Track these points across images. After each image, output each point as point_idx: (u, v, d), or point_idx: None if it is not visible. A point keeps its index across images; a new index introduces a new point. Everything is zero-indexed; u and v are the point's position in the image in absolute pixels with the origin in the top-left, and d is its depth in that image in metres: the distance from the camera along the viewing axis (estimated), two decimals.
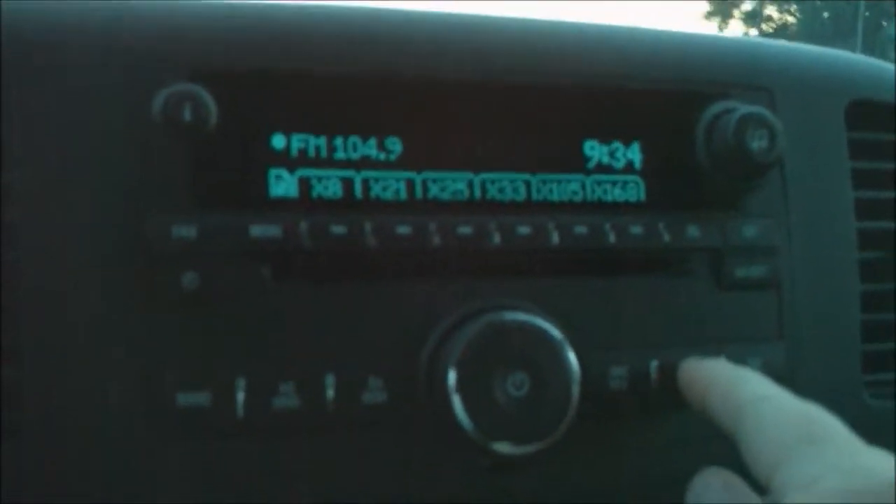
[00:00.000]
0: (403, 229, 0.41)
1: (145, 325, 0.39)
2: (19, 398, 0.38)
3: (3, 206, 0.38)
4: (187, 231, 0.39)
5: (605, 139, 0.45)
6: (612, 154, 0.45)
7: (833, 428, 0.33)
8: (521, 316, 0.41)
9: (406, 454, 0.41)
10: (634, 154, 0.46)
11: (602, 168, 0.45)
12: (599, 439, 0.44)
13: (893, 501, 0.27)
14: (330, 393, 0.39)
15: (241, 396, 0.39)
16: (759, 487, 0.33)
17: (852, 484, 0.29)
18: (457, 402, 0.39)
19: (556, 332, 0.40)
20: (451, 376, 0.39)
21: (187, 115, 0.38)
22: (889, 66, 0.56)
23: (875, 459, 0.30)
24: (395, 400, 0.40)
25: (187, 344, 0.39)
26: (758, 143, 0.45)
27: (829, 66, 0.54)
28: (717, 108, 0.47)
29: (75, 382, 0.38)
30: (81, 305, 0.39)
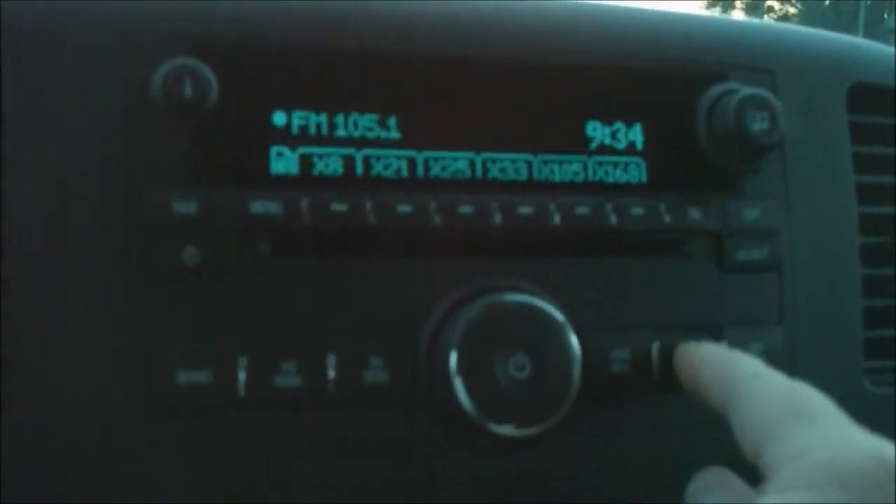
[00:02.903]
0: (404, 208, 0.41)
1: (145, 302, 0.39)
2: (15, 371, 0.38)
3: (1, 179, 0.38)
4: (187, 206, 0.38)
5: (608, 120, 0.45)
6: (613, 135, 0.45)
7: (822, 405, 0.33)
8: (523, 297, 0.41)
9: (407, 435, 0.41)
10: (636, 135, 0.45)
11: (604, 149, 0.45)
12: (601, 421, 0.44)
13: (880, 475, 0.28)
14: (331, 372, 0.39)
15: (242, 375, 0.39)
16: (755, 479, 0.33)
17: (840, 457, 0.29)
18: (458, 384, 0.39)
19: (557, 314, 0.40)
20: (453, 357, 0.39)
21: (188, 90, 0.38)
22: (891, 50, 0.56)
23: (863, 436, 0.31)
24: (395, 380, 0.40)
25: (188, 321, 0.39)
26: (758, 125, 0.44)
27: (831, 49, 0.53)
28: (718, 89, 0.46)
29: (73, 359, 0.38)
30: (80, 281, 0.38)
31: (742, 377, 0.36)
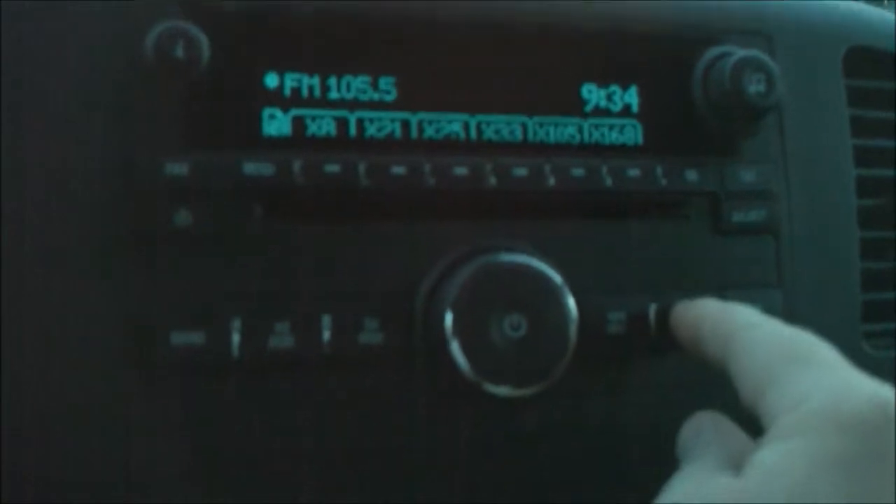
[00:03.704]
0: (398, 169, 0.41)
1: (138, 263, 0.38)
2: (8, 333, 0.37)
3: None
4: (179, 168, 0.38)
5: (603, 82, 0.45)
6: (609, 97, 0.45)
7: (822, 350, 0.33)
8: (518, 257, 0.40)
9: (403, 396, 0.41)
10: (632, 98, 0.45)
11: (599, 111, 0.45)
12: (598, 382, 0.43)
13: (878, 418, 0.28)
14: (326, 333, 0.39)
15: (236, 336, 0.38)
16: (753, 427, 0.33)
17: (838, 402, 0.29)
18: (454, 345, 0.38)
19: (553, 274, 0.40)
20: (448, 318, 0.39)
21: (180, 52, 0.38)
22: (889, 14, 0.55)
23: (864, 380, 0.31)
24: (391, 341, 0.40)
25: (181, 282, 0.39)
26: (755, 87, 0.44)
27: (829, 12, 0.53)
28: (714, 51, 0.46)
29: (63, 324, 0.38)
30: (71, 243, 0.38)
31: (740, 326, 0.36)
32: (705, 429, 0.35)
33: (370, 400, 0.41)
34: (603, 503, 0.43)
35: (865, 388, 0.30)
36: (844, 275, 0.49)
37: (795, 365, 0.32)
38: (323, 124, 0.41)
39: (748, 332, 0.35)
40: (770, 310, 0.45)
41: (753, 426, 0.33)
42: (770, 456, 0.29)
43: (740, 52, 0.45)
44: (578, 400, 0.42)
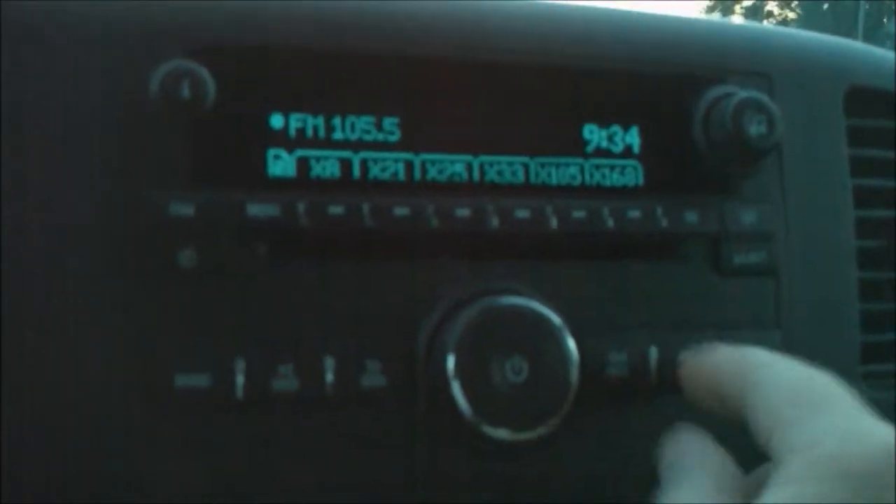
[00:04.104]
0: (401, 211, 0.41)
1: (142, 304, 0.39)
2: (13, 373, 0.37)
3: None
4: (185, 208, 0.38)
5: (605, 123, 0.45)
6: (610, 138, 0.45)
7: (835, 392, 0.32)
8: (520, 300, 0.41)
9: (404, 438, 0.41)
10: (633, 138, 0.46)
11: (601, 152, 0.45)
12: (599, 425, 0.44)
13: (889, 465, 0.28)
14: (329, 376, 0.39)
15: (240, 377, 0.38)
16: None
17: (848, 448, 0.28)
18: (455, 388, 0.38)
19: (554, 317, 0.40)
20: (450, 361, 0.39)
21: (185, 92, 0.38)
22: (889, 53, 0.56)
23: (874, 425, 0.30)
24: (393, 383, 0.40)
25: (185, 323, 0.39)
26: (756, 129, 0.45)
27: (829, 52, 0.53)
28: (715, 92, 0.47)
29: (69, 361, 0.38)
30: (76, 283, 0.38)
31: (756, 365, 0.35)
32: (690, 451, 0.35)
33: (371, 441, 0.41)
34: None
35: (877, 431, 0.29)
36: (843, 315, 0.49)
37: (808, 406, 0.31)
38: (327, 165, 0.41)
39: (764, 371, 0.34)
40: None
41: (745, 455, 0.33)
42: (776, 499, 0.28)
43: (741, 93, 0.45)
44: (579, 443, 0.42)
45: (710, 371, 0.38)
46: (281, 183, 0.40)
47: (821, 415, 0.31)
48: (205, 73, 0.38)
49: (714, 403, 0.37)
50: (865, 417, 0.31)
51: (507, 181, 0.43)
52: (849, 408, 0.31)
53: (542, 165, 0.44)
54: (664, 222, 0.44)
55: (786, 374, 0.34)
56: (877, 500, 0.27)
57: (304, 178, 0.41)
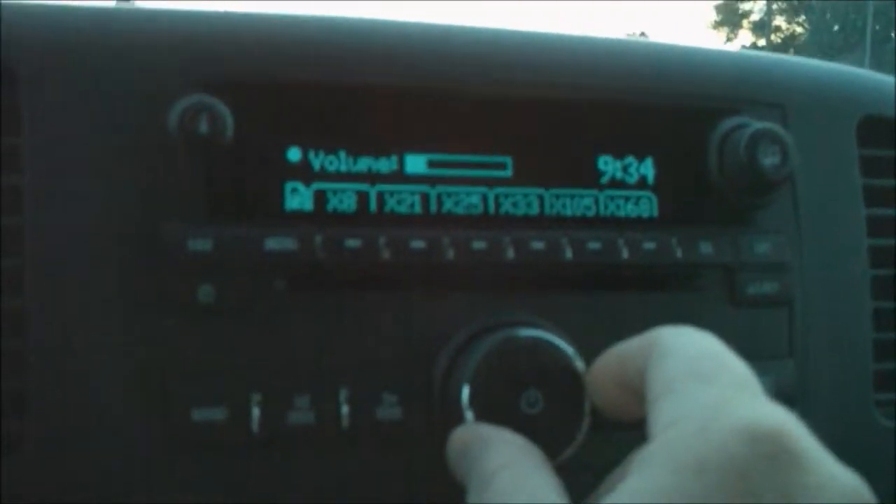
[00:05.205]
0: (417, 243, 0.41)
1: (160, 339, 0.39)
2: (23, 409, 0.38)
3: (15, 212, 0.39)
4: (203, 244, 0.39)
5: (619, 154, 0.45)
6: (625, 169, 0.45)
7: (728, 366, 0.28)
8: (535, 332, 0.41)
9: (420, 471, 0.41)
10: (647, 169, 0.46)
11: (615, 183, 0.45)
12: (613, 454, 0.44)
13: (745, 458, 0.24)
14: (344, 408, 0.39)
15: (256, 412, 0.39)
16: None
17: (707, 431, 0.25)
18: (470, 419, 0.39)
19: (569, 349, 0.40)
20: (465, 393, 0.39)
21: (203, 127, 0.38)
22: (890, 80, 0.56)
23: (753, 402, 0.26)
24: (409, 416, 0.40)
25: (202, 358, 0.39)
26: (770, 160, 0.45)
27: (841, 82, 0.54)
28: (729, 123, 0.47)
29: (86, 396, 0.38)
30: (94, 317, 0.39)
31: (658, 338, 0.31)
32: (492, 442, 0.34)
33: (386, 473, 0.41)
34: None
35: (744, 412, 0.25)
36: (857, 344, 0.49)
37: (694, 379, 0.27)
38: (344, 198, 0.41)
39: (668, 341, 0.30)
40: (783, 381, 0.45)
41: None
42: (633, 490, 0.25)
43: (755, 125, 0.45)
44: (594, 474, 0.42)
45: (615, 358, 0.35)
46: (298, 216, 0.41)
47: (702, 388, 0.27)
48: (223, 108, 0.39)
49: (620, 400, 0.34)
50: (751, 395, 0.27)
51: (523, 213, 0.44)
52: (737, 382, 0.27)
53: (557, 197, 0.44)
54: (679, 253, 0.44)
55: (689, 345, 0.30)
56: (730, 494, 0.23)
57: (321, 212, 0.41)
